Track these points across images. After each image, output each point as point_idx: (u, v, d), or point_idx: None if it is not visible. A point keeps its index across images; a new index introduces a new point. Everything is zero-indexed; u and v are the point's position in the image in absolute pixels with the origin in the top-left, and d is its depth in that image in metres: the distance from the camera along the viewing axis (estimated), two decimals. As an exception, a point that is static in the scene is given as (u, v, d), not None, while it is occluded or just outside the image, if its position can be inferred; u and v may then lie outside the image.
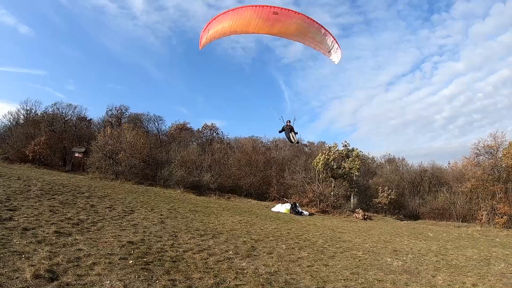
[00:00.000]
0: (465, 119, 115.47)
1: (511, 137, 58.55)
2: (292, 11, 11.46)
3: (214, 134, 53.39)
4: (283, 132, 16.21)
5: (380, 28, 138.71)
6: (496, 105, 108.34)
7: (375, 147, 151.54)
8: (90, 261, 8.14)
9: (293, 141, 16.56)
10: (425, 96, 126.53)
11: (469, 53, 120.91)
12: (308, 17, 11.69)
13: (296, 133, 16.03)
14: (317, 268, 11.03)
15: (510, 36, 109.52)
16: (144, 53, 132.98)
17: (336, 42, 12.52)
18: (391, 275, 10.96)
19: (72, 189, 19.65)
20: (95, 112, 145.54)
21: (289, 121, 15.81)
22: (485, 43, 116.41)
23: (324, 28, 12.10)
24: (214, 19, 11.89)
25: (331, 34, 12.33)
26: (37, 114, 44.34)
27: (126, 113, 51.74)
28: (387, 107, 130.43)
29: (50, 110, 44.76)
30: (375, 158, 58.95)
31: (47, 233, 9.99)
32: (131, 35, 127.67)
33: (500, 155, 36.22)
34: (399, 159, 57.18)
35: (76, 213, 13.77)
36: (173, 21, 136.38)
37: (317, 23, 11.89)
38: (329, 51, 12.78)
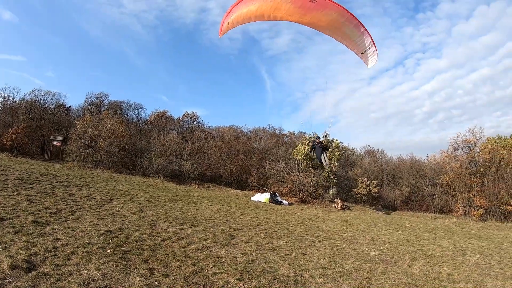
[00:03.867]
0: (445, 114, 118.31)
1: (489, 133, 61.12)
2: (331, 1, 10.32)
3: (195, 122, 53.25)
4: (313, 150, 15.25)
5: (366, 24, 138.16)
6: (476, 102, 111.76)
7: (356, 139, 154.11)
8: (68, 251, 8.17)
9: (324, 163, 15.70)
10: (406, 91, 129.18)
11: (451, 51, 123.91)
12: (347, 11, 10.58)
13: (328, 148, 15.06)
14: (295, 256, 11.30)
15: (492, 37, 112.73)
16: (128, 41, 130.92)
17: (374, 44, 11.36)
18: (368, 264, 11.33)
19: (50, 178, 19.44)
20: (75, 100, 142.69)
21: (319, 138, 14.82)
22: (467, 43, 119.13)
23: (363, 27, 11.01)
24: (240, 1, 10.68)
25: (369, 34, 11.23)
26: (15, 102, 43.58)
27: (106, 100, 51.46)
28: (369, 100, 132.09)
29: (28, 97, 44.14)
30: (355, 150, 59.86)
31: (25, 223, 9.94)
32: (116, 22, 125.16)
33: (478, 150, 37.53)
34: (378, 151, 58.26)
35: (54, 202, 13.65)
36: (161, 10, 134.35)
37: (356, 19, 10.80)
38: (363, 53, 11.67)
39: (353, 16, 10.72)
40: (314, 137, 14.95)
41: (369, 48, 11.43)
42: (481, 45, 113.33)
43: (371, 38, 11.18)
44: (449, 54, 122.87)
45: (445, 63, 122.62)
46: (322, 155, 14.83)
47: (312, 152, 15.19)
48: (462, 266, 12.25)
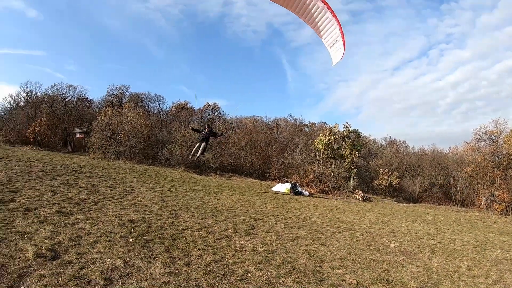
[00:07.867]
0: (469, 106, 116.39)
1: (513, 125, 59.09)
2: None
3: (216, 113, 53.24)
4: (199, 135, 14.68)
5: (390, 16, 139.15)
6: (500, 93, 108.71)
7: (377, 129, 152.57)
8: (91, 240, 8.28)
9: (194, 155, 15.39)
10: (430, 81, 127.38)
11: (475, 42, 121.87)
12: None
13: (221, 134, 14.09)
14: (314, 247, 11.15)
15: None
16: (151, 34, 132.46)
17: (343, 37, 9.79)
18: (388, 256, 11.10)
19: (74, 169, 19.77)
20: (96, 93, 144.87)
21: (209, 125, 14.39)
22: (491, 34, 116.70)
23: (332, 12, 9.49)
24: None
25: (339, 23, 9.66)
26: (38, 96, 44.08)
27: (127, 93, 51.61)
28: (393, 91, 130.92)
29: (50, 91, 44.54)
30: (376, 140, 59.06)
31: (49, 213, 10.11)
32: (141, 17, 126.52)
33: (502, 142, 36.34)
34: (399, 141, 57.25)
35: (78, 193, 13.88)
36: (185, 4, 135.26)
37: (324, 2, 9.40)
38: (331, 45, 10.22)
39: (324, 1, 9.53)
40: (206, 125, 14.47)
41: (336, 41, 10.13)
42: (505, 36, 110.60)
43: (341, 28, 9.65)
44: (473, 45, 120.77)
45: (469, 54, 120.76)
46: (200, 145, 14.78)
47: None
48: (482, 261, 11.87)
